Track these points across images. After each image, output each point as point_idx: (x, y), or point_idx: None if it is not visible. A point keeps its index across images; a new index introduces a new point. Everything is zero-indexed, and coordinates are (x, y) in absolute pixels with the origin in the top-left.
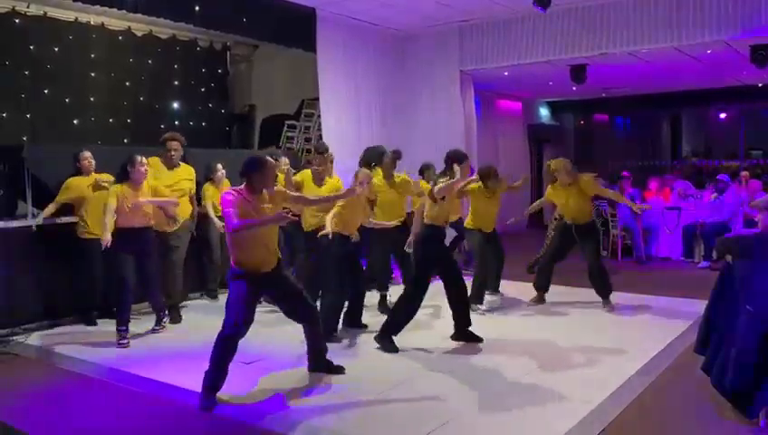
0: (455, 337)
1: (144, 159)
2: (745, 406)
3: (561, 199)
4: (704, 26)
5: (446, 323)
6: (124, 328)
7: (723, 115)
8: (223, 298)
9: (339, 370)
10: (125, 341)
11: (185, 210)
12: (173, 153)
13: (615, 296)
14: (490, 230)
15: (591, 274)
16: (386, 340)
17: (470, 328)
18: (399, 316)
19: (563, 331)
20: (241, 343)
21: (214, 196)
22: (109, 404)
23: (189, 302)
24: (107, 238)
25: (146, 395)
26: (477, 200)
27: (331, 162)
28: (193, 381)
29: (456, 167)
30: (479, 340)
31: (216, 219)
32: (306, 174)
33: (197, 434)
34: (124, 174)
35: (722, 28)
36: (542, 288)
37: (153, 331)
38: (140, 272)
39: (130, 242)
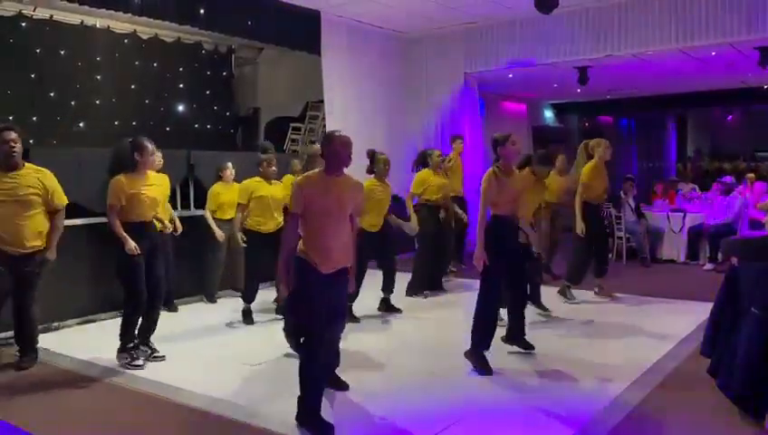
0: (504, 339)
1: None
2: (752, 408)
3: (601, 175)
4: (709, 28)
5: (452, 324)
6: (132, 345)
7: (728, 117)
8: (222, 302)
9: (343, 385)
10: (138, 362)
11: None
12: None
13: (620, 298)
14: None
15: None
16: (476, 357)
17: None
18: (481, 328)
19: (568, 333)
20: (247, 345)
21: (222, 194)
22: (111, 404)
23: (189, 304)
24: (132, 246)
25: (147, 396)
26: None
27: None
28: (192, 382)
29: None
30: (530, 347)
31: (214, 226)
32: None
33: None
34: (132, 163)
35: (727, 30)
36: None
37: (155, 358)
38: (148, 275)
39: (143, 239)
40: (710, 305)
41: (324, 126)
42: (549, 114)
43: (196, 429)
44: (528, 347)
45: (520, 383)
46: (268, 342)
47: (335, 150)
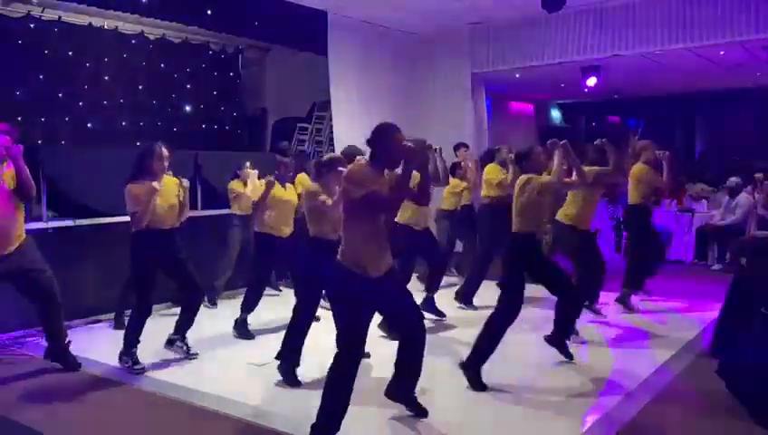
0: (547, 337)
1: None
2: (760, 409)
3: (646, 177)
4: (717, 27)
5: (458, 328)
6: (135, 349)
7: (737, 117)
8: (225, 303)
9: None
10: (139, 365)
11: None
12: None
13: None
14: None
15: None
16: (472, 371)
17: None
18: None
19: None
20: (254, 344)
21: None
22: (119, 404)
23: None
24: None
25: (152, 395)
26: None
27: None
28: (198, 382)
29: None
30: (569, 356)
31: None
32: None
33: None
34: (144, 168)
35: (736, 29)
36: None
37: (189, 356)
38: (180, 276)
39: (159, 246)
40: (719, 306)
41: (331, 126)
42: (556, 114)
43: (203, 429)
44: (568, 355)
45: (530, 384)
46: (276, 343)
47: (387, 149)
